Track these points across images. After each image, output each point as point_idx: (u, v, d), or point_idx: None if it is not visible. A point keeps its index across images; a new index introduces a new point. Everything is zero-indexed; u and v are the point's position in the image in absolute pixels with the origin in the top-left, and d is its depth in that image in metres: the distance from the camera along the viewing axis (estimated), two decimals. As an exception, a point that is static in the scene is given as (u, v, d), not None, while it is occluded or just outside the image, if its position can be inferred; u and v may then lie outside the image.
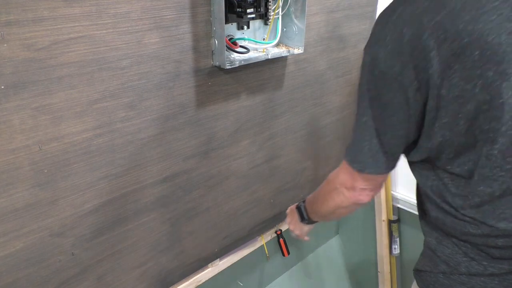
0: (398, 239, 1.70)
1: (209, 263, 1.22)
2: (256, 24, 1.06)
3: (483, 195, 0.70)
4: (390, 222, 1.67)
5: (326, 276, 1.82)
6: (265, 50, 1.07)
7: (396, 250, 1.70)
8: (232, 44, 1.00)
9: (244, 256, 1.32)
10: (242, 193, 1.22)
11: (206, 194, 1.12)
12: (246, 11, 0.97)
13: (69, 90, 0.78)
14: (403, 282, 1.79)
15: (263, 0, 1.00)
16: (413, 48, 0.63)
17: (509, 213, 0.70)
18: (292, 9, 1.08)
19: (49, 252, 0.85)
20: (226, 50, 0.96)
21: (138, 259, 1.02)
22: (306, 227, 1.13)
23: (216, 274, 1.24)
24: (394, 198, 1.63)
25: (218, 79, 1.02)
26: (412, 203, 1.57)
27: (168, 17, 0.87)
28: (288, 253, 1.47)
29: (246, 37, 1.05)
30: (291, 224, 1.16)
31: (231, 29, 1.01)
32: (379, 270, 1.78)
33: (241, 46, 1.03)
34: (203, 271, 1.21)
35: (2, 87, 0.70)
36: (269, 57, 1.05)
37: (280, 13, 1.06)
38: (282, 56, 1.12)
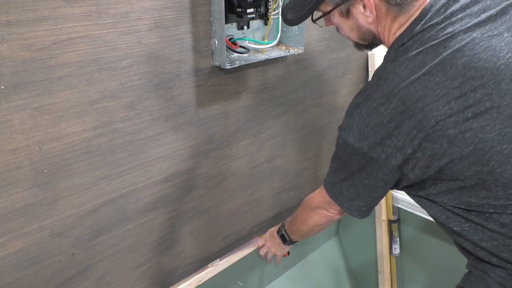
0: (398, 239, 1.70)
1: (209, 263, 1.22)
2: (256, 24, 1.06)
3: None
4: (390, 222, 1.67)
5: (326, 276, 1.82)
6: (265, 50, 1.07)
7: (396, 250, 1.70)
8: (232, 44, 1.00)
9: (244, 256, 1.32)
10: (242, 193, 1.22)
11: (206, 194, 1.12)
12: (246, 11, 0.97)
13: (69, 90, 0.78)
14: (403, 282, 1.79)
15: (263, 0, 1.00)
16: (377, 132, 0.76)
17: None
18: (292, 9, 1.08)
19: (49, 252, 0.85)
20: (226, 50, 0.96)
21: (138, 259, 1.02)
22: (287, 248, 1.28)
23: (216, 274, 1.24)
24: (394, 198, 1.63)
25: (218, 79, 1.02)
26: (412, 203, 1.57)
27: (168, 17, 0.87)
28: (288, 253, 1.47)
29: (246, 37, 1.05)
30: (272, 247, 1.28)
31: (231, 29, 1.01)
32: (379, 270, 1.78)
33: (241, 46, 1.03)
34: (203, 271, 1.21)
35: (2, 87, 0.70)
36: (269, 57, 1.05)
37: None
38: (282, 56, 1.12)
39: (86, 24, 0.76)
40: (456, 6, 0.73)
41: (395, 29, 0.80)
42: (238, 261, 1.30)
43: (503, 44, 0.70)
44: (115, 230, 0.94)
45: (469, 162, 0.72)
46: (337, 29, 0.92)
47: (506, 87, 0.69)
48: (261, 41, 1.07)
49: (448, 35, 0.72)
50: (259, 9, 0.99)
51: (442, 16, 0.73)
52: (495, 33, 0.71)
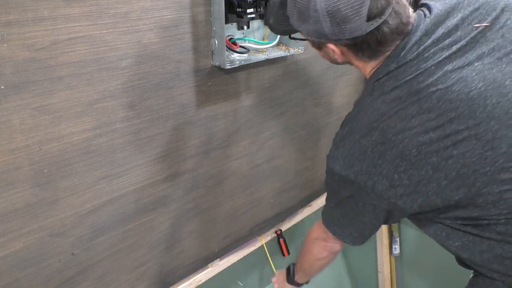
0: (398, 239, 1.70)
1: (209, 263, 1.22)
2: (256, 24, 1.06)
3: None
4: (390, 222, 1.67)
5: (326, 276, 1.82)
6: (265, 50, 1.07)
7: (396, 250, 1.70)
8: (232, 44, 1.00)
9: (244, 256, 1.32)
10: (242, 193, 1.22)
11: (206, 194, 1.12)
12: (246, 11, 0.97)
13: (69, 90, 0.78)
14: (403, 282, 1.79)
15: (263, 0, 1.00)
16: (362, 161, 0.79)
17: None
18: (292, 9, 1.08)
19: (49, 252, 0.85)
20: (226, 50, 0.96)
21: (138, 259, 1.02)
22: None
23: (216, 274, 1.24)
24: (394, 198, 1.63)
25: (218, 79, 1.02)
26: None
27: (168, 17, 0.87)
28: (288, 253, 1.47)
29: (246, 37, 1.05)
30: (275, 284, 1.23)
31: (231, 29, 1.01)
32: (379, 270, 1.78)
33: (241, 46, 1.03)
34: (203, 271, 1.21)
35: (2, 87, 0.70)
36: (269, 57, 1.05)
37: (280, 13, 1.06)
38: (282, 56, 1.12)
39: (86, 24, 0.76)
40: (428, 41, 0.76)
41: (368, 70, 0.83)
42: (238, 261, 1.30)
43: (474, 74, 0.73)
44: (115, 230, 0.94)
45: (456, 186, 0.74)
46: None
47: (481, 115, 0.72)
48: (261, 41, 1.07)
49: (421, 70, 0.75)
50: (259, 9, 0.99)
51: (415, 53, 0.76)
52: (466, 63, 0.74)
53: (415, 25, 0.77)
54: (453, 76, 0.73)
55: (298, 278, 1.15)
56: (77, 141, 0.82)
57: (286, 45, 1.12)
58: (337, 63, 0.89)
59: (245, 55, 1.02)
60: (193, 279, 1.18)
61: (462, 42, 0.75)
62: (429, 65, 0.75)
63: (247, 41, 1.05)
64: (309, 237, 1.05)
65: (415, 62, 0.76)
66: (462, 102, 0.72)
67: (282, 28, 0.89)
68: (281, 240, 1.43)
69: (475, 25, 0.76)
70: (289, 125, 1.28)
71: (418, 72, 0.75)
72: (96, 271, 0.94)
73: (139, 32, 0.84)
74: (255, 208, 1.29)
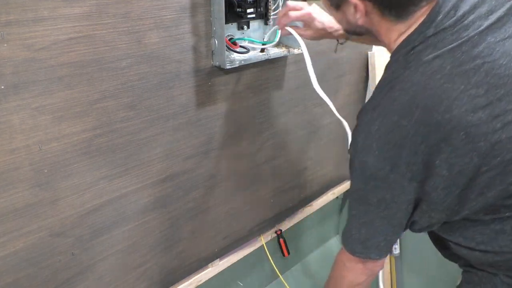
0: (398, 239, 1.70)
1: (209, 263, 1.22)
2: (256, 24, 1.06)
3: None
4: (390, 222, 1.67)
5: (326, 276, 1.82)
6: (265, 50, 1.07)
7: (396, 250, 1.70)
8: (232, 44, 1.00)
9: (244, 256, 1.32)
10: (242, 193, 1.22)
11: (206, 194, 1.12)
12: (246, 11, 0.97)
13: (69, 90, 0.78)
14: (403, 282, 1.79)
15: (263, 0, 1.00)
16: (401, 147, 0.69)
17: None
18: (292, 9, 1.07)
19: (49, 252, 0.85)
20: (226, 50, 0.96)
21: (138, 259, 1.02)
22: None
23: (216, 274, 1.24)
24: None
25: (218, 79, 1.02)
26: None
27: (168, 17, 0.87)
28: (288, 253, 1.47)
29: (246, 37, 1.05)
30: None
31: (231, 29, 1.01)
32: (379, 270, 1.78)
33: (241, 46, 1.03)
34: (203, 271, 1.21)
35: (2, 87, 0.70)
36: (269, 57, 1.05)
37: (280, 13, 1.06)
38: (282, 56, 1.12)
39: (86, 24, 0.76)
40: (466, 7, 0.69)
41: (394, 36, 0.75)
42: (238, 261, 1.30)
43: None
44: (115, 230, 0.94)
45: (494, 174, 0.69)
46: None
47: None
48: (261, 41, 1.07)
49: (464, 39, 0.68)
50: (259, 9, 1.00)
51: (453, 19, 0.69)
52: (507, 35, 0.68)
53: None
54: (497, 49, 0.67)
55: None
56: (77, 141, 0.82)
57: (286, 45, 1.12)
58: (353, 28, 0.79)
59: (245, 55, 1.02)
60: (193, 279, 1.18)
61: (500, 13, 0.69)
62: (471, 34, 0.67)
63: (247, 41, 1.05)
64: (338, 260, 0.91)
65: (455, 29, 0.68)
66: (510, 78, 0.66)
67: None
68: (281, 240, 1.43)
69: None
70: (289, 125, 1.28)
71: (461, 40, 0.67)
72: (96, 271, 0.94)
73: (139, 32, 0.84)
74: (255, 208, 1.29)
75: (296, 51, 1.10)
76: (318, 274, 1.74)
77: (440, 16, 0.69)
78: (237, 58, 0.99)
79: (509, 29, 0.69)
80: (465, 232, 0.78)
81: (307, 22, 0.98)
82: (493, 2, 0.70)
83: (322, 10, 0.97)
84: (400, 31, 0.73)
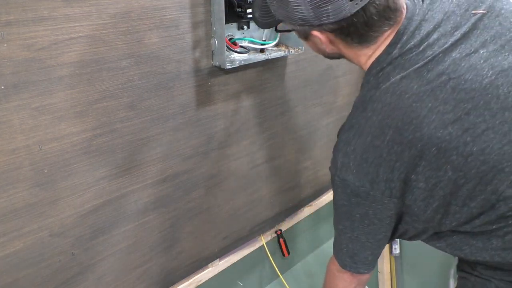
0: (398, 239, 1.70)
1: (209, 263, 1.22)
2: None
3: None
4: (390, 222, 1.67)
5: (326, 276, 1.82)
6: (265, 50, 1.07)
7: (396, 250, 1.70)
8: (232, 44, 1.00)
9: (244, 256, 1.32)
10: (242, 193, 1.22)
11: (206, 194, 1.12)
12: (246, 11, 0.97)
13: (69, 90, 0.78)
14: (403, 282, 1.79)
15: (263, 0, 1.00)
16: (378, 166, 0.72)
17: None
18: (292, 9, 1.07)
19: (49, 252, 0.85)
20: (226, 50, 0.96)
21: (138, 259, 1.02)
22: None
23: (216, 274, 1.24)
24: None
25: (218, 79, 1.02)
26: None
27: (168, 17, 0.87)
28: (288, 253, 1.47)
29: (246, 37, 1.05)
30: None
31: (231, 29, 1.01)
32: (379, 270, 1.78)
33: (241, 46, 1.03)
34: (203, 271, 1.21)
35: (2, 87, 0.70)
36: (269, 57, 1.05)
37: (280, 13, 1.06)
38: (282, 56, 1.12)
39: (86, 24, 0.76)
40: (429, 26, 0.71)
41: (363, 60, 0.77)
42: (238, 261, 1.30)
43: (482, 61, 0.70)
44: (115, 230, 0.94)
45: (473, 185, 0.70)
46: None
47: (496, 106, 0.68)
48: (261, 41, 1.07)
49: (429, 58, 0.70)
50: (259, 9, 0.99)
51: (418, 39, 0.71)
52: (472, 50, 0.70)
53: (410, 9, 0.73)
54: (463, 64, 0.69)
55: None
56: (77, 141, 0.82)
57: (286, 45, 1.12)
58: (326, 54, 0.82)
59: (245, 55, 1.02)
60: (193, 279, 1.18)
61: (465, 28, 0.71)
62: (436, 52, 0.70)
63: (247, 41, 1.05)
64: (329, 269, 0.93)
65: (420, 49, 0.70)
66: (476, 92, 0.68)
67: (267, 20, 0.83)
68: (281, 240, 1.43)
69: (472, 11, 0.72)
70: (289, 125, 1.28)
71: (426, 59, 0.70)
72: (96, 271, 0.94)
73: (139, 32, 0.84)
74: (255, 208, 1.29)
75: (296, 51, 1.10)
76: (318, 274, 1.74)
77: (405, 38, 0.71)
78: (237, 58, 0.99)
79: (475, 44, 0.70)
80: (453, 243, 0.79)
81: None
82: (458, 19, 0.72)
83: None
84: (367, 54, 0.75)
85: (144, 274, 1.05)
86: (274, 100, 1.20)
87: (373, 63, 0.75)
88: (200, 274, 1.20)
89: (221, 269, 1.25)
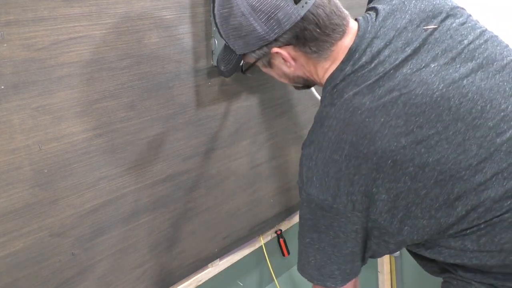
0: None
1: (209, 263, 1.22)
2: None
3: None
4: (390, 222, 1.67)
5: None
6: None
7: (396, 250, 1.70)
8: (232, 44, 1.00)
9: (244, 256, 1.32)
10: (242, 193, 1.22)
11: (206, 194, 1.12)
12: (246, 11, 0.96)
13: (69, 90, 0.78)
14: (403, 282, 1.79)
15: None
16: (338, 180, 0.74)
17: None
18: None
19: (49, 252, 0.85)
20: (226, 50, 0.96)
21: (138, 259, 1.02)
22: None
23: (216, 274, 1.24)
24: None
25: (218, 79, 1.02)
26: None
27: (168, 17, 0.87)
28: (288, 253, 1.47)
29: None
30: None
31: (231, 29, 1.01)
32: (379, 270, 1.78)
33: (241, 46, 1.02)
34: (203, 271, 1.21)
35: (2, 87, 0.70)
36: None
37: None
38: (282, 56, 1.11)
39: (86, 24, 0.76)
40: (381, 43, 0.74)
41: (321, 73, 0.80)
42: (238, 261, 1.30)
43: (433, 75, 0.72)
44: (115, 230, 0.94)
45: (435, 194, 0.72)
46: None
47: (447, 117, 0.70)
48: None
49: (380, 74, 0.72)
50: (259, 9, 0.99)
51: (370, 56, 0.73)
52: (423, 65, 0.73)
53: (362, 27, 0.76)
54: (413, 79, 0.72)
55: None
56: (77, 141, 0.82)
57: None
58: (292, 79, 0.85)
59: (245, 55, 1.02)
60: (193, 279, 1.18)
61: (415, 44, 0.74)
62: (387, 69, 0.72)
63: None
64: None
65: (372, 65, 0.73)
66: (427, 105, 0.70)
67: (230, 66, 0.85)
68: (281, 240, 1.43)
69: (424, 27, 0.75)
70: (289, 125, 1.28)
71: (377, 76, 0.72)
72: (96, 271, 0.94)
73: (139, 32, 0.84)
74: (255, 208, 1.29)
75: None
76: None
77: (357, 55, 0.74)
78: (237, 58, 0.99)
79: (426, 58, 0.73)
80: (431, 247, 0.80)
81: None
82: (409, 35, 0.74)
83: None
84: (325, 67, 0.79)
85: (144, 274, 1.05)
86: (274, 100, 1.20)
87: (328, 79, 0.78)
88: (200, 274, 1.20)
89: (221, 269, 1.25)
